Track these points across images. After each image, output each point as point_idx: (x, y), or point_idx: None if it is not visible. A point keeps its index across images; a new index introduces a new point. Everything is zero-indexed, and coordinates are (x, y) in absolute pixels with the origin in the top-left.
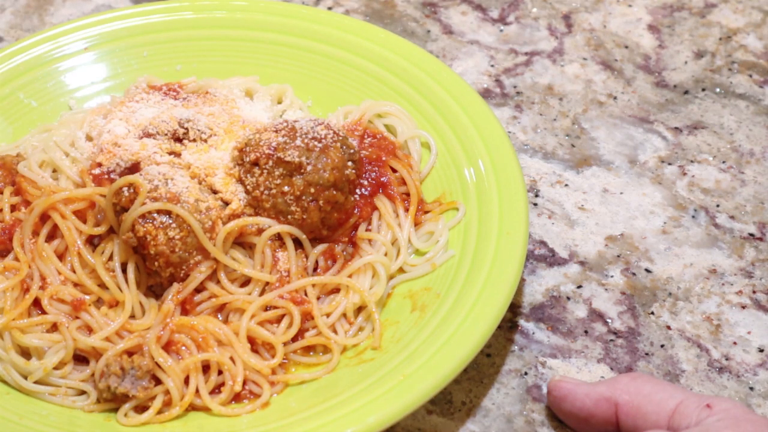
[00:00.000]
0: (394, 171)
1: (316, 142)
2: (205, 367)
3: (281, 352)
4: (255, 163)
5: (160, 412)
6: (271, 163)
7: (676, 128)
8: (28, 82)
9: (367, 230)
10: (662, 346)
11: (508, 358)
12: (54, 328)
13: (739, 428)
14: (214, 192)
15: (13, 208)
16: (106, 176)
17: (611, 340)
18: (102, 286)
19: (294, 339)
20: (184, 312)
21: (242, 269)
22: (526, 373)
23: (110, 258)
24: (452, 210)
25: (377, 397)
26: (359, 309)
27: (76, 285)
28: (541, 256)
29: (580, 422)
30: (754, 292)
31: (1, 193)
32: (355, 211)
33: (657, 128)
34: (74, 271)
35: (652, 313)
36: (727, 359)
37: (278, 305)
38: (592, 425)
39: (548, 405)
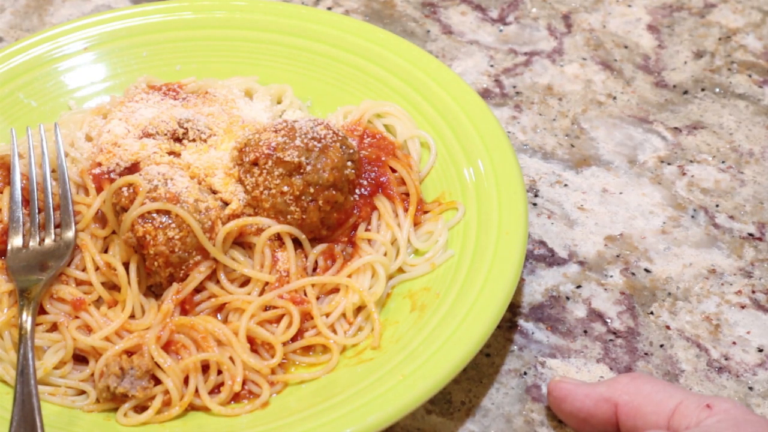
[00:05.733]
0: (394, 171)
1: (315, 142)
2: (205, 367)
3: (280, 352)
4: (254, 163)
5: (159, 412)
6: (270, 163)
7: (676, 128)
8: (28, 82)
9: (366, 230)
10: (661, 346)
11: (507, 357)
12: (54, 327)
13: (738, 429)
14: (214, 192)
15: None
16: (106, 176)
17: (610, 340)
18: (105, 284)
19: (293, 339)
20: (184, 312)
21: (242, 269)
22: (525, 373)
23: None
24: (452, 210)
25: (376, 396)
26: (359, 309)
27: (78, 284)
28: (541, 256)
29: (580, 423)
30: (753, 292)
31: (1, 192)
32: (355, 211)
33: (656, 128)
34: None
35: (652, 312)
36: (726, 359)
37: (278, 305)
38: (592, 425)
39: (548, 405)
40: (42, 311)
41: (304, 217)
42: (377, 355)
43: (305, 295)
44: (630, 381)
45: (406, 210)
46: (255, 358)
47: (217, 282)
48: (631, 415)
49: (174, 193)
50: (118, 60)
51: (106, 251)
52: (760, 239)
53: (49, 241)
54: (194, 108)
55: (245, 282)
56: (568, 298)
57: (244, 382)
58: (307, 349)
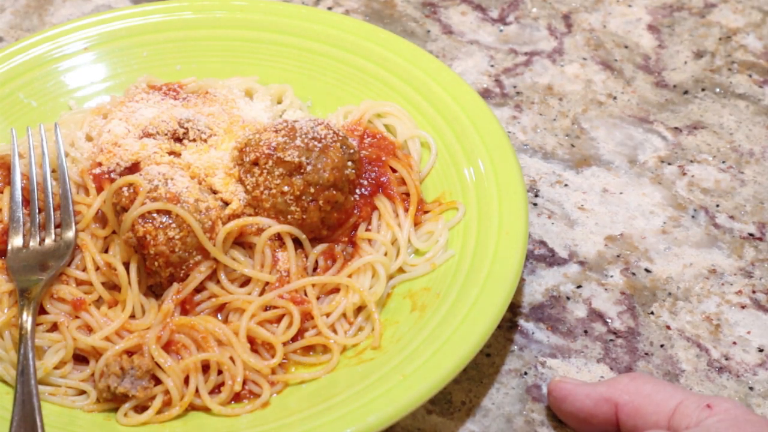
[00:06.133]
0: (394, 171)
1: (315, 142)
2: (205, 367)
3: (281, 351)
4: (255, 163)
5: (159, 411)
6: (270, 162)
7: (676, 128)
8: (28, 82)
9: (366, 230)
10: (662, 345)
11: (507, 357)
12: (54, 327)
13: (739, 429)
14: (214, 192)
15: None
16: (106, 176)
17: (611, 340)
18: (105, 284)
19: (294, 339)
20: (184, 312)
21: (242, 269)
22: (525, 373)
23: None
24: (452, 210)
25: (377, 396)
26: (359, 309)
27: (79, 283)
28: (541, 256)
29: (581, 423)
30: (753, 291)
31: (2, 192)
32: (355, 211)
33: (657, 128)
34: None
35: (652, 312)
36: (726, 359)
37: (278, 305)
38: (593, 426)
39: (548, 405)
40: (42, 311)
41: (304, 217)
42: (377, 355)
43: (305, 295)
44: (630, 381)
45: (406, 210)
46: (255, 358)
47: (218, 282)
48: (632, 415)
49: (174, 193)
50: (118, 60)
51: (106, 251)
52: (760, 239)
53: (49, 241)
54: (194, 108)
55: (245, 282)
56: (568, 298)
57: (244, 382)
58: (308, 349)
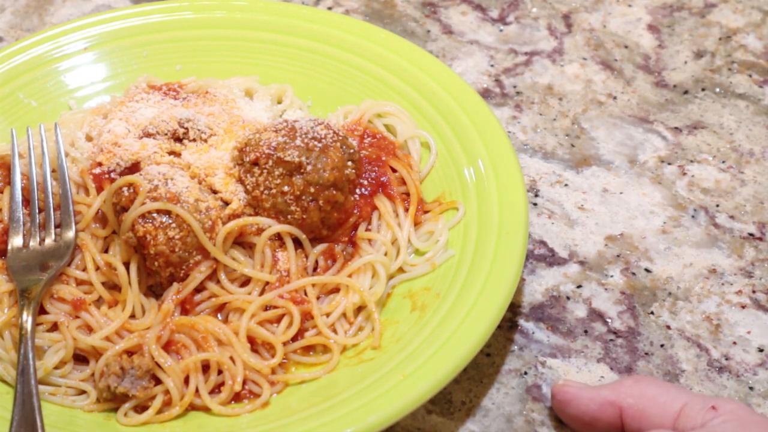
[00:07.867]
0: (394, 171)
1: (316, 142)
2: (205, 367)
3: (281, 351)
4: (255, 163)
5: (159, 411)
6: (270, 162)
7: (676, 128)
8: (28, 82)
9: (366, 230)
10: (662, 345)
11: (507, 357)
12: (54, 327)
13: (744, 429)
14: (214, 192)
15: None
16: (106, 176)
17: (611, 340)
18: (105, 284)
19: (294, 339)
20: (184, 312)
21: (242, 269)
22: (525, 373)
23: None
24: (452, 210)
25: (377, 396)
26: (359, 309)
27: (79, 283)
28: (541, 255)
29: (585, 426)
30: (753, 291)
31: (2, 192)
32: (355, 210)
33: (657, 128)
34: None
35: (652, 312)
36: (726, 359)
37: (278, 305)
38: (597, 429)
39: (551, 408)
40: (42, 311)
41: (304, 216)
42: (378, 355)
43: (305, 294)
44: (634, 384)
45: (406, 210)
46: (255, 358)
47: (218, 282)
48: (636, 418)
49: (174, 192)
50: (118, 60)
51: (106, 251)
52: (760, 239)
53: (49, 241)
54: (194, 108)
55: (246, 282)
56: (568, 298)
57: (244, 382)
58: (308, 349)
